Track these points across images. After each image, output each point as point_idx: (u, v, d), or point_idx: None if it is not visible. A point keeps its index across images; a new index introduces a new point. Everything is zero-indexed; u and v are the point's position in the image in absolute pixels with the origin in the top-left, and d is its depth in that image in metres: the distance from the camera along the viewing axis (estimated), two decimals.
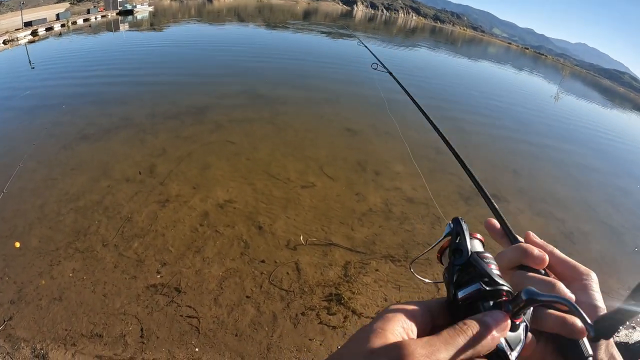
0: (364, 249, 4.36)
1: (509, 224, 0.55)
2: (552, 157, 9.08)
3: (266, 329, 3.21)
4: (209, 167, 5.24)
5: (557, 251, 0.52)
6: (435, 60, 21.83)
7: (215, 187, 4.86)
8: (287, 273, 3.83)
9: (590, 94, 32.64)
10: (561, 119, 14.66)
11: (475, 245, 0.50)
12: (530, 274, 0.49)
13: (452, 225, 0.52)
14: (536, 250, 0.50)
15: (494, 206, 0.59)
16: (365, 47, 3.76)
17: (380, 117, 8.71)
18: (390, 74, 2.13)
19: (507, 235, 0.55)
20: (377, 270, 4.12)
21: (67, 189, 4.49)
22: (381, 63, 2.55)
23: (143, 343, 2.89)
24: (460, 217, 0.52)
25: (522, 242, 0.53)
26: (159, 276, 3.48)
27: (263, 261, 3.90)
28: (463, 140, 8.31)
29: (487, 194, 0.62)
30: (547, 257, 0.49)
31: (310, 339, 3.21)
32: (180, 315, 3.16)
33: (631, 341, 3.74)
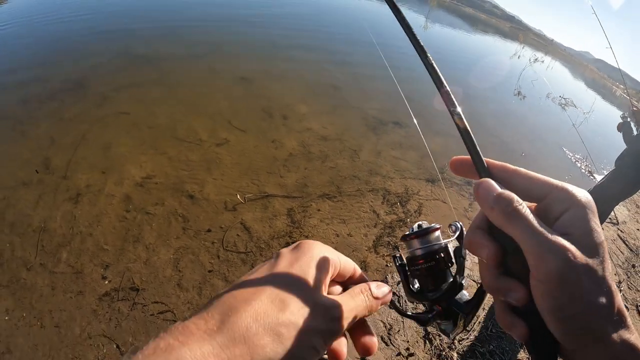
0: (299, 193, 4.20)
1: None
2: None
3: None
4: (110, 145, 4.37)
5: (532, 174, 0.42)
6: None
7: (127, 166, 4.11)
8: (238, 235, 3.54)
9: (455, 21, 33.79)
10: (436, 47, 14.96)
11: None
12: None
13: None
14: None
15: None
16: None
17: (271, 61, 8.16)
18: None
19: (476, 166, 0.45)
20: (319, 210, 4.04)
21: None
22: None
23: None
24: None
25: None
26: (106, 282, 2.91)
27: (209, 230, 3.53)
28: (355, 83, 8.23)
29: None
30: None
31: None
32: (151, 315, 2.73)
33: None
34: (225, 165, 4.38)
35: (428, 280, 0.53)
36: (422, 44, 0.46)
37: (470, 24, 36.51)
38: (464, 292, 0.52)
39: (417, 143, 5.98)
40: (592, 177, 7.11)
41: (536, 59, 21.14)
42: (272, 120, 5.52)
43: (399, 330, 2.95)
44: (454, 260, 0.53)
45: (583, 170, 7.50)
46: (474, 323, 3.09)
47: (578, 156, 7.84)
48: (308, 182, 4.40)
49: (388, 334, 2.92)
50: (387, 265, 3.54)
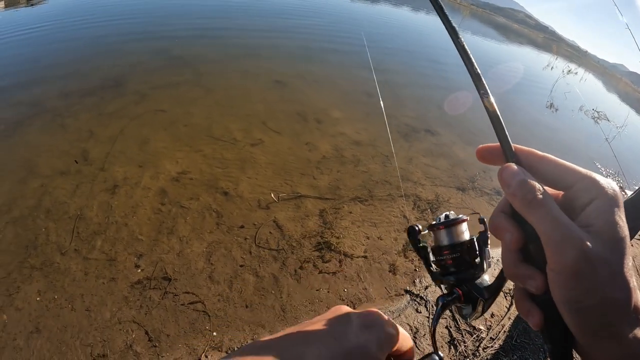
0: (331, 195, 4.08)
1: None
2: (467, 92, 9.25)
3: (272, 292, 2.86)
4: (147, 141, 4.34)
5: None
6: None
7: (163, 161, 4.05)
8: (270, 232, 3.42)
9: (487, 31, 32.33)
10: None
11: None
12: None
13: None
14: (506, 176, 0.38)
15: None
16: None
17: (306, 66, 8.10)
18: None
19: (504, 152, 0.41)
20: (350, 212, 3.90)
21: None
22: None
23: (155, 346, 2.33)
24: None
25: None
26: (139, 270, 2.81)
27: (242, 226, 3.42)
28: (390, 85, 8.12)
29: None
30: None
31: (317, 290, 2.96)
32: (182, 304, 2.62)
33: None
34: (259, 165, 4.29)
35: (451, 269, 0.52)
36: (454, 25, 0.44)
37: (502, 34, 34.76)
38: (485, 276, 0.51)
39: (448, 151, 5.82)
40: (623, 193, 6.77)
41: (569, 71, 20.18)
42: (306, 124, 5.42)
43: (424, 335, 2.80)
44: (479, 253, 0.51)
45: None
46: (499, 332, 2.93)
47: (610, 171, 7.44)
48: (340, 185, 4.26)
49: (414, 337, 2.77)
50: (415, 270, 3.37)
